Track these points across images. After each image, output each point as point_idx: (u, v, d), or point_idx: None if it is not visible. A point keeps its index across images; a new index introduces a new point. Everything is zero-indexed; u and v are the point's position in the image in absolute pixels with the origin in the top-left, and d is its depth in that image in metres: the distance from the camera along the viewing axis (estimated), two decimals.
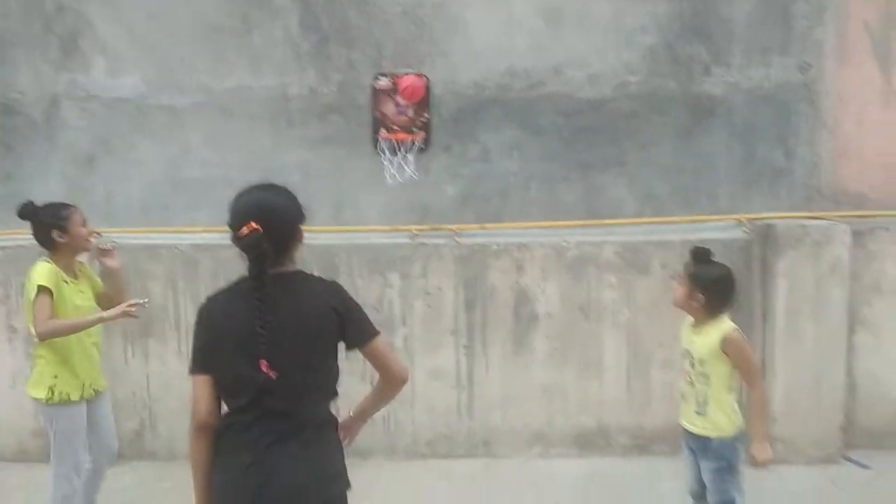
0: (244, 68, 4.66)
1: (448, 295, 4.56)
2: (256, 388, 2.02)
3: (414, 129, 4.55)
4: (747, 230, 4.52)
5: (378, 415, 2.35)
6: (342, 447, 2.22)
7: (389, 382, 2.22)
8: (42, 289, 3.10)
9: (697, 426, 2.97)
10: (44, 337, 3.14)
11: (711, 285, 2.92)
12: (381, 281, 4.55)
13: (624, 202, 4.65)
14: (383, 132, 4.55)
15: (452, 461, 4.58)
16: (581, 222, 4.60)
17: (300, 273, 2.16)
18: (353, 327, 2.13)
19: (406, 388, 4.72)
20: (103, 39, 4.69)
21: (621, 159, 4.62)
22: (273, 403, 2.03)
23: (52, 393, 3.22)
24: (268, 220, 2.00)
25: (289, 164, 4.65)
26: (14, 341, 4.71)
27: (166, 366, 4.66)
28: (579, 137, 4.61)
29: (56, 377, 3.23)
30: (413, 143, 4.55)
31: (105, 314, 3.27)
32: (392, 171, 4.50)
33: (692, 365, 2.98)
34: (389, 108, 4.56)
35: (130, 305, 3.24)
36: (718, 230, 4.53)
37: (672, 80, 4.56)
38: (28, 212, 3.28)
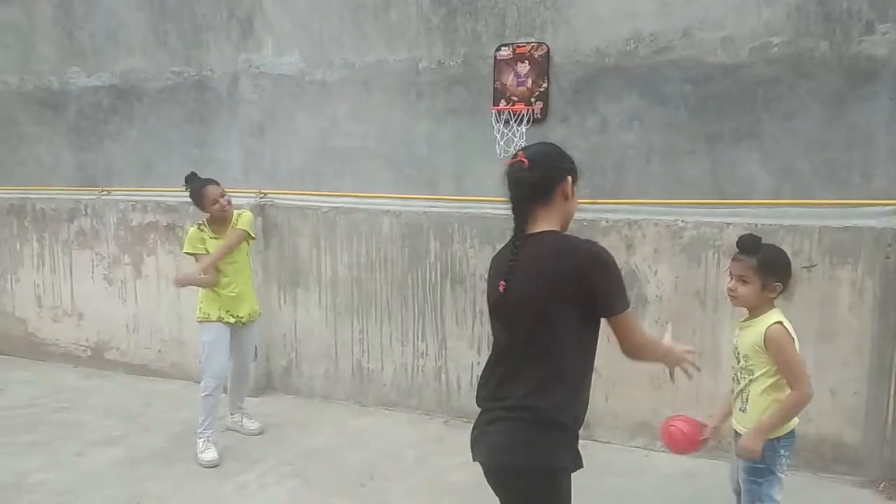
0: (382, 44, 4.91)
1: None
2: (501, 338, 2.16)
3: (532, 100, 4.47)
4: None
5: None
6: (544, 427, 2.07)
7: (627, 355, 2.13)
8: (187, 254, 4.32)
9: (740, 424, 2.75)
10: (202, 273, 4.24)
11: (786, 271, 2.67)
12: (490, 251, 4.57)
13: (757, 179, 4.07)
14: (503, 104, 4.53)
15: None
16: (704, 200, 4.17)
17: (556, 233, 2.10)
18: (599, 294, 2.01)
19: None
20: (271, 21, 5.25)
21: (756, 131, 4.03)
22: (509, 359, 2.10)
23: (199, 313, 4.31)
24: (534, 158, 2.11)
25: (418, 136, 4.83)
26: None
27: (310, 313, 5.24)
28: (708, 107, 4.12)
29: (202, 303, 4.32)
30: (530, 114, 4.47)
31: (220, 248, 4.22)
32: (501, 143, 4.48)
33: (738, 360, 2.76)
34: (509, 79, 4.52)
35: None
36: (872, 217, 3.81)
37: (823, 39, 3.85)
38: (188, 183, 4.27)
